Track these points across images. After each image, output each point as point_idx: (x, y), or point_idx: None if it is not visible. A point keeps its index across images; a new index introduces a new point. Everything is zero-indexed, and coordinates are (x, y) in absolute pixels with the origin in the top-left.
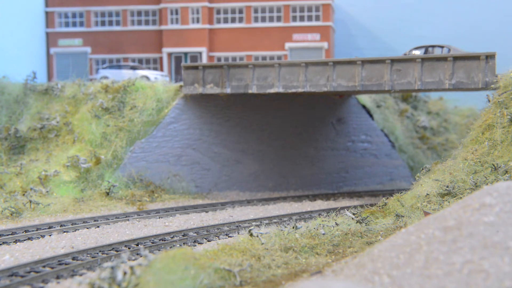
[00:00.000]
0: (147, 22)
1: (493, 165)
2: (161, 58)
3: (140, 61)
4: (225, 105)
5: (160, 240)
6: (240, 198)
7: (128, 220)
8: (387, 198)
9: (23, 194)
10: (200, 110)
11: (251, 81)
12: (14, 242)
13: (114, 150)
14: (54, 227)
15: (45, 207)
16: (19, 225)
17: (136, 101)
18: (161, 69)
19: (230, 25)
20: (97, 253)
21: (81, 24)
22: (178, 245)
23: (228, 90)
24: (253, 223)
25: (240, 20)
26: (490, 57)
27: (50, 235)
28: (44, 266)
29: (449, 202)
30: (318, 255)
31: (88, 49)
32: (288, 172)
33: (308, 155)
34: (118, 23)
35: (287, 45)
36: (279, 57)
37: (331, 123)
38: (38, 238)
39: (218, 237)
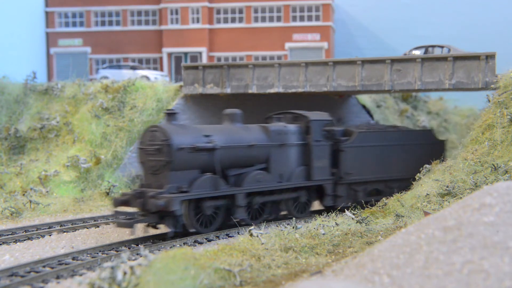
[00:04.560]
0: (147, 22)
1: (493, 165)
2: (161, 58)
3: (140, 61)
4: (225, 105)
5: (160, 240)
6: None
7: None
8: (387, 198)
9: (23, 194)
10: (200, 110)
11: (251, 81)
12: (14, 242)
13: (114, 150)
14: (54, 227)
15: (45, 207)
16: (19, 225)
17: (136, 101)
18: (161, 69)
19: (230, 25)
20: (97, 253)
21: (81, 24)
22: (178, 245)
23: (228, 90)
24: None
25: (240, 20)
26: (490, 57)
27: (50, 235)
28: (44, 266)
29: (449, 202)
30: (318, 255)
31: (88, 49)
32: None
33: None
34: (118, 23)
35: (287, 45)
36: (279, 57)
37: None
38: (38, 238)
39: (218, 237)
